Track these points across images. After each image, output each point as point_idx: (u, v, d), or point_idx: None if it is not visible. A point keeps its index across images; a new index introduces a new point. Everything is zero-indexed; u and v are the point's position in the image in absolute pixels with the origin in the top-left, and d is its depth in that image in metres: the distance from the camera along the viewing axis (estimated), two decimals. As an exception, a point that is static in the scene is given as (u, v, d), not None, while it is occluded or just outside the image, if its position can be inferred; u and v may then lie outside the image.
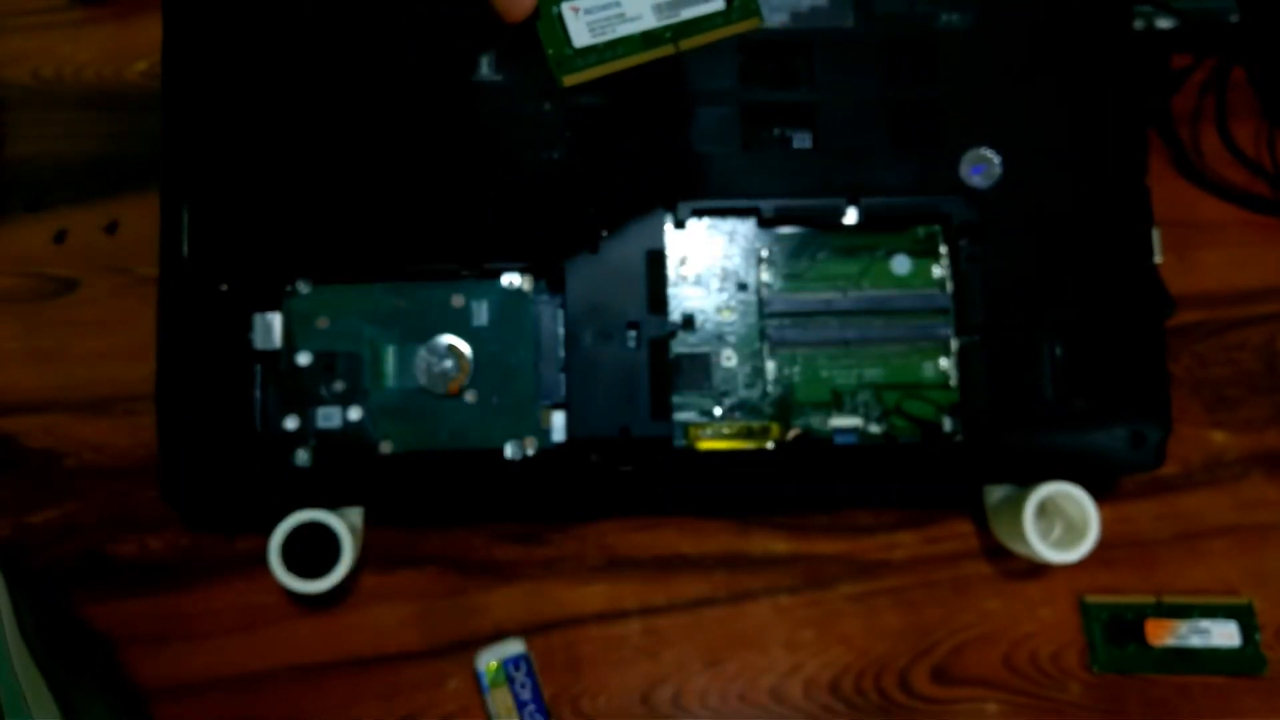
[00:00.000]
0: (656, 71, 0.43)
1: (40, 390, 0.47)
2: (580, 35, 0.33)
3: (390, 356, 0.42)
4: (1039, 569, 0.47)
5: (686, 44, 0.34)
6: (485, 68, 0.43)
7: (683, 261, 0.44)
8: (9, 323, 0.48)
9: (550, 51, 0.33)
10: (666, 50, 0.34)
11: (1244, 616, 0.46)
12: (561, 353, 0.42)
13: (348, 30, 0.43)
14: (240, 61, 0.43)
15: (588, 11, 0.33)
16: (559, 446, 0.42)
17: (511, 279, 0.43)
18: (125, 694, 0.44)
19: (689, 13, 0.33)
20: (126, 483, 0.46)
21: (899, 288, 0.44)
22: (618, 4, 0.33)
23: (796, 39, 0.44)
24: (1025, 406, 0.43)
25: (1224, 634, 0.46)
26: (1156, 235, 0.44)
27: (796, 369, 0.44)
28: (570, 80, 0.34)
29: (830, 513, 0.47)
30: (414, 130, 0.43)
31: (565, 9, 0.33)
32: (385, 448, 0.42)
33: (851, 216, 0.44)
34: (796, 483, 0.44)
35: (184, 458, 0.41)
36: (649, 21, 0.33)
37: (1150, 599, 0.47)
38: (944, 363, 0.44)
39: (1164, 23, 0.51)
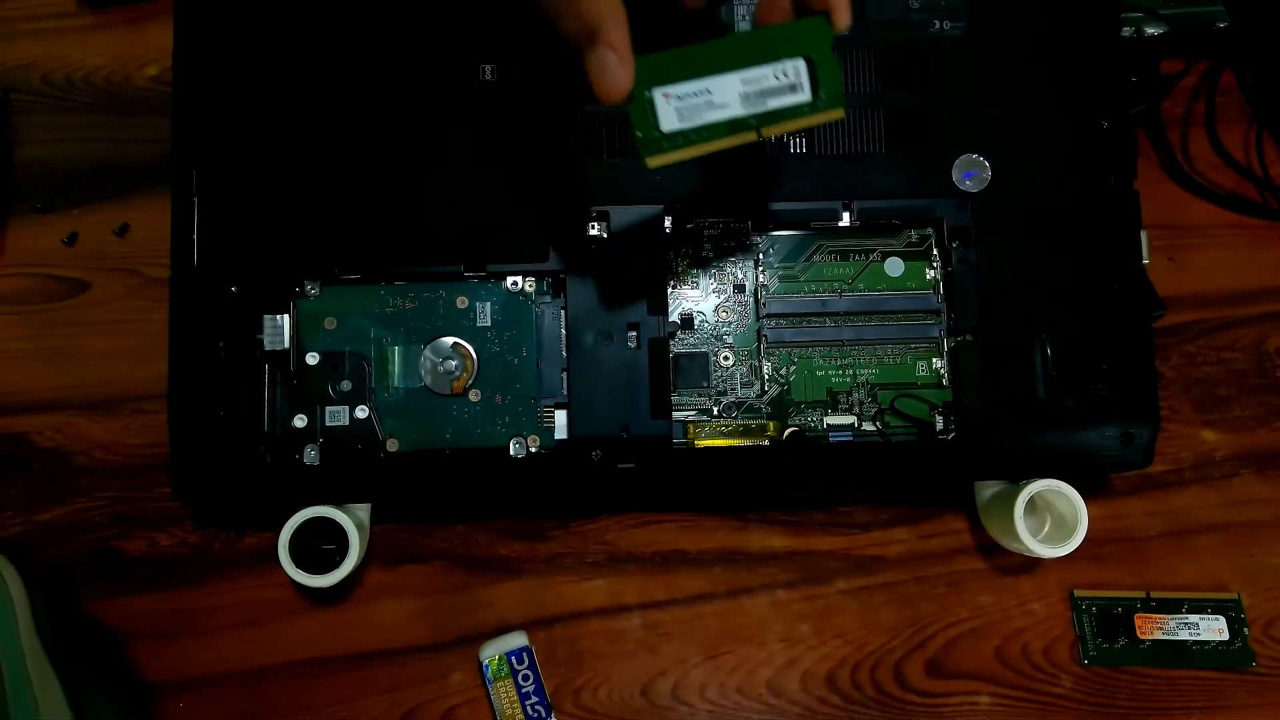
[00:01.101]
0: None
1: (51, 389, 0.48)
2: (669, 120, 0.34)
3: (396, 356, 0.43)
4: (1031, 564, 0.48)
5: (769, 131, 0.35)
6: (489, 72, 0.44)
7: (682, 263, 0.45)
8: (21, 323, 0.49)
9: (639, 134, 0.34)
10: (750, 137, 0.34)
11: (1232, 611, 0.47)
12: (563, 353, 0.43)
13: (354, 36, 0.44)
14: (249, 66, 0.43)
15: (678, 98, 0.33)
16: (561, 445, 0.43)
17: (514, 281, 0.43)
18: (131, 691, 0.45)
19: (775, 103, 0.34)
20: (136, 481, 0.47)
21: (893, 289, 0.45)
22: (708, 92, 0.33)
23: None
24: (1017, 405, 0.43)
25: (1213, 628, 0.47)
26: (1145, 237, 0.45)
27: (793, 368, 0.44)
28: (655, 162, 0.34)
29: (826, 509, 0.48)
30: (419, 134, 0.43)
31: (657, 94, 0.33)
32: (391, 446, 0.42)
33: (846, 220, 0.44)
34: (793, 480, 0.44)
35: (194, 455, 0.42)
36: (736, 110, 0.34)
37: (1140, 594, 0.47)
38: (937, 362, 0.45)
39: (1153, 29, 0.51)
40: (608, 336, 0.43)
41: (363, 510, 0.44)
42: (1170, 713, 0.46)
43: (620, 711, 0.45)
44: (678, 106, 0.33)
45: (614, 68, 0.31)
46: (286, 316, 0.43)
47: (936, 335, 0.45)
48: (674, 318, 0.44)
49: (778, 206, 0.44)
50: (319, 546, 0.43)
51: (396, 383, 0.43)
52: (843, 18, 0.33)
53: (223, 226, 0.42)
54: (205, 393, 0.42)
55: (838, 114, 0.35)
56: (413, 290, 0.43)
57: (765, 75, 0.34)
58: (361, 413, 0.42)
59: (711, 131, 0.34)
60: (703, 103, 0.34)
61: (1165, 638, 0.46)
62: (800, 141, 0.45)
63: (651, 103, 0.33)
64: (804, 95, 0.34)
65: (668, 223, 0.44)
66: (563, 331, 0.43)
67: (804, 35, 0.34)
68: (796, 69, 0.34)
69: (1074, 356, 0.43)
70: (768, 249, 0.45)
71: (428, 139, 0.43)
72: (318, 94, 0.43)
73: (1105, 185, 0.44)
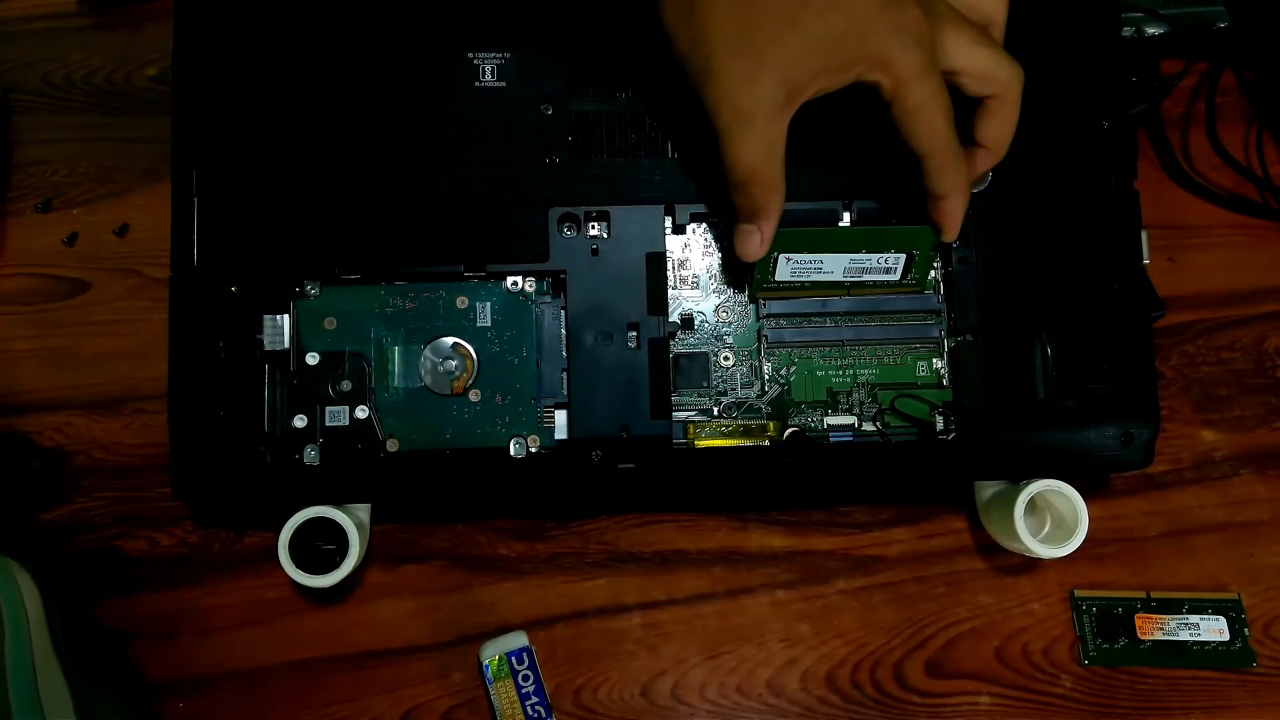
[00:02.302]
0: (656, 78, 0.44)
1: (52, 390, 0.48)
2: (783, 274, 0.42)
3: (396, 356, 0.43)
4: (1030, 564, 0.48)
5: (855, 292, 0.44)
6: (489, 74, 0.44)
7: (682, 264, 0.45)
8: (21, 323, 0.49)
9: (758, 277, 0.43)
10: (840, 293, 0.44)
11: (1232, 611, 0.47)
12: (563, 353, 0.43)
13: (355, 36, 0.44)
14: (249, 66, 0.43)
15: (795, 262, 0.42)
16: (561, 445, 0.43)
17: (514, 281, 0.43)
18: (136, 691, 0.45)
19: (869, 277, 0.43)
20: (137, 480, 0.47)
21: (893, 289, 0.45)
22: (820, 263, 0.42)
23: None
24: (1017, 405, 0.43)
25: (1213, 629, 0.47)
26: (1145, 237, 0.45)
27: (793, 369, 0.44)
28: (761, 295, 0.44)
29: (826, 509, 0.48)
30: (419, 134, 0.43)
31: (781, 257, 0.42)
32: (391, 446, 0.42)
33: (846, 220, 0.44)
34: (793, 480, 0.44)
35: (194, 455, 0.41)
36: (836, 276, 0.43)
37: (1140, 594, 0.47)
38: (937, 362, 0.45)
39: (1153, 29, 0.51)
40: (608, 336, 0.43)
41: (363, 510, 0.44)
42: (1170, 713, 0.46)
43: (620, 711, 0.45)
44: (793, 267, 0.42)
45: (757, 246, 0.39)
46: (286, 316, 0.43)
47: (936, 335, 0.45)
48: (674, 318, 0.44)
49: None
50: (319, 546, 0.43)
51: (396, 383, 0.43)
52: (950, 235, 0.40)
53: (223, 226, 0.42)
54: (205, 393, 0.42)
55: (914, 290, 0.44)
56: (413, 290, 0.43)
57: (870, 260, 0.42)
58: (361, 413, 0.42)
59: (811, 287, 0.43)
60: (812, 268, 0.42)
61: (1165, 638, 0.47)
62: (800, 142, 0.45)
63: (775, 261, 0.42)
64: (894, 276, 0.43)
65: (668, 223, 0.44)
66: (563, 331, 0.43)
67: (914, 238, 0.41)
68: (898, 260, 0.42)
69: (1074, 356, 0.44)
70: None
71: (428, 139, 0.43)
72: (318, 94, 0.43)
73: (1105, 185, 0.44)
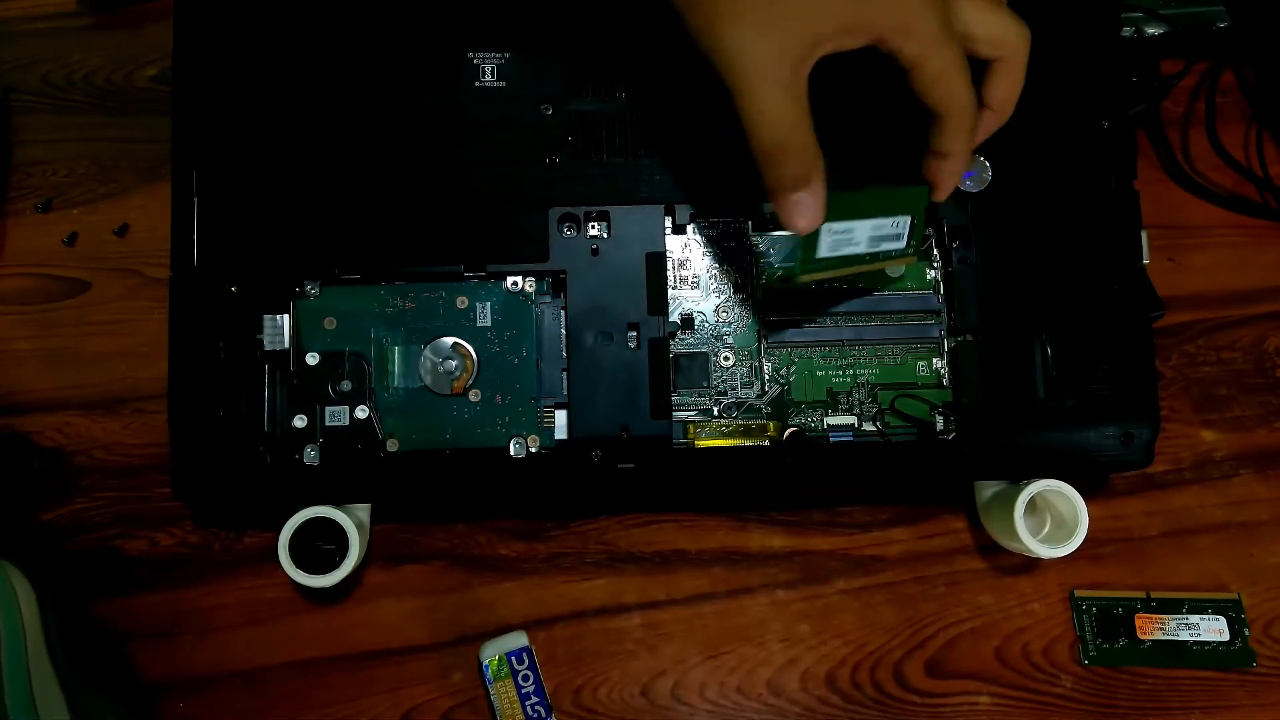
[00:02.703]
0: (656, 78, 0.44)
1: (51, 390, 0.48)
2: (824, 249, 0.39)
3: (396, 356, 0.43)
4: (1030, 564, 0.48)
5: (871, 266, 0.42)
6: (489, 74, 0.44)
7: (682, 263, 0.45)
8: (21, 323, 0.49)
9: (804, 255, 0.39)
10: (861, 267, 0.41)
11: (1232, 611, 0.47)
12: (563, 353, 0.43)
13: (354, 35, 0.44)
14: (249, 66, 0.43)
15: (835, 233, 0.39)
16: (561, 445, 0.43)
17: (514, 281, 0.43)
18: (133, 693, 0.45)
19: (883, 246, 0.41)
20: (137, 480, 0.47)
21: (893, 289, 0.45)
22: (851, 232, 0.40)
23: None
24: (1017, 405, 0.43)
25: (1213, 628, 0.47)
26: (1145, 237, 0.45)
27: (793, 369, 0.45)
28: (806, 278, 0.41)
29: (826, 509, 0.48)
30: (419, 134, 0.43)
31: (825, 229, 0.38)
32: (391, 446, 0.42)
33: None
34: (793, 480, 0.44)
35: (194, 455, 0.42)
36: (861, 248, 0.40)
37: (1140, 594, 0.47)
38: (937, 362, 0.45)
39: (1153, 29, 0.51)
40: (608, 336, 0.43)
41: (363, 510, 0.44)
42: (1170, 713, 0.46)
43: (620, 711, 0.45)
44: (831, 240, 0.39)
45: (813, 213, 0.36)
46: (286, 316, 0.43)
47: (936, 335, 0.45)
48: (674, 318, 0.44)
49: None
50: (319, 546, 0.43)
51: (396, 383, 0.43)
52: (943, 194, 0.39)
53: (223, 226, 0.42)
54: (205, 393, 0.42)
55: (912, 260, 0.43)
56: (413, 290, 0.43)
57: (886, 225, 0.40)
58: (361, 413, 0.42)
59: (843, 262, 0.41)
60: (845, 239, 0.40)
61: (1165, 638, 0.47)
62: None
63: (819, 234, 0.38)
64: (901, 243, 0.41)
65: (668, 223, 0.44)
66: (563, 331, 0.43)
67: (915, 199, 0.40)
68: (904, 224, 0.41)
69: (1074, 356, 0.44)
70: (768, 249, 0.45)
71: (428, 139, 0.43)
72: (318, 94, 0.43)
73: (1105, 185, 0.44)
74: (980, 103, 0.38)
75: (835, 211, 0.38)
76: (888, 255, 0.42)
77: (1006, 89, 0.38)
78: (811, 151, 0.35)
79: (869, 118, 0.43)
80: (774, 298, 0.45)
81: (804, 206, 0.36)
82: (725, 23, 0.33)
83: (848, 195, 0.38)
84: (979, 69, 0.37)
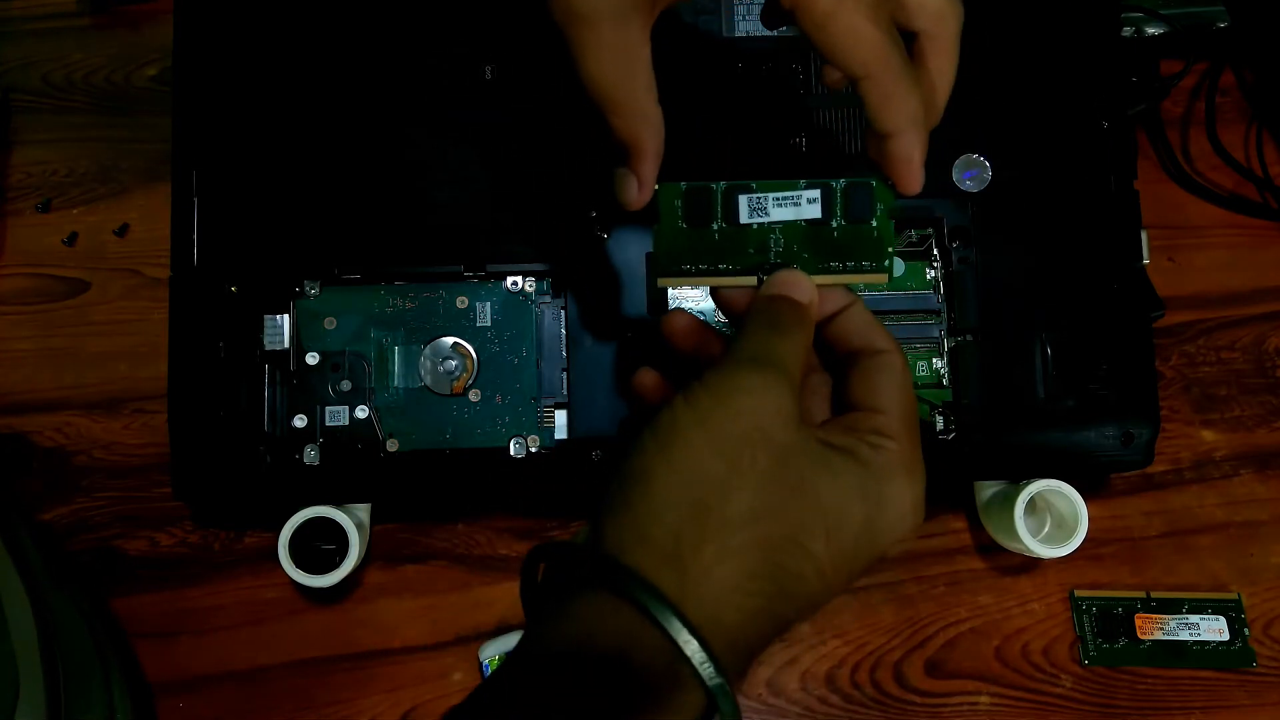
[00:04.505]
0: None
1: (52, 390, 0.48)
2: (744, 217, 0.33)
3: (396, 356, 0.43)
4: (1030, 564, 0.48)
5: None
6: (489, 72, 0.44)
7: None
8: (21, 323, 0.49)
9: (661, 245, 0.33)
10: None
11: (1232, 611, 0.47)
12: (563, 353, 0.43)
13: (354, 35, 0.44)
14: (249, 66, 0.43)
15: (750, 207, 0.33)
16: (561, 444, 0.43)
17: (514, 281, 0.43)
18: (142, 684, 0.45)
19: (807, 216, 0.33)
20: (137, 480, 0.47)
21: (893, 289, 0.45)
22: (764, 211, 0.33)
23: (791, 46, 0.45)
24: (1017, 405, 0.43)
25: (1213, 628, 0.47)
26: (1145, 237, 0.45)
27: (793, 368, 0.44)
28: (665, 281, 0.34)
29: (826, 509, 0.48)
30: (419, 134, 0.43)
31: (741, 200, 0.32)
32: (391, 445, 0.42)
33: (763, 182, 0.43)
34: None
35: (194, 455, 0.42)
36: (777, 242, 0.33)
37: (1140, 594, 0.47)
38: (937, 362, 0.45)
39: (1153, 29, 0.51)
40: (608, 336, 0.43)
41: (363, 510, 0.44)
42: (1170, 713, 0.46)
43: (620, 711, 0.45)
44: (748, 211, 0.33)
45: (633, 194, 0.32)
46: (286, 316, 0.43)
47: (936, 335, 0.45)
48: (674, 318, 0.44)
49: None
50: (319, 546, 0.43)
51: (396, 383, 0.43)
52: (908, 186, 0.31)
53: (223, 226, 0.42)
54: (205, 393, 0.42)
55: (882, 278, 0.33)
56: (413, 290, 0.43)
57: (792, 198, 0.33)
58: (361, 413, 0.42)
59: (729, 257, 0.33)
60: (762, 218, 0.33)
61: (1165, 638, 0.47)
62: (800, 141, 0.45)
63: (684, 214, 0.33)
64: (816, 213, 0.33)
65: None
66: (563, 331, 0.43)
67: (870, 194, 0.33)
68: (816, 199, 0.33)
69: (1074, 356, 0.44)
70: (768, 249, 0.45)
71: (428, 139, 0.43)
72: (318, 94, 0.43)
73: (1105, 185, 0.44)
74: None
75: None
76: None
77: (930, 75, 0.30)
78: (638, 118, 0.30)
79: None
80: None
81: (624, 182, 0.32)
82: None
83: (771, 184, 0.32)
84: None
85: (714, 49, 0.32)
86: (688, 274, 0.33)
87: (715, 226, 0.33)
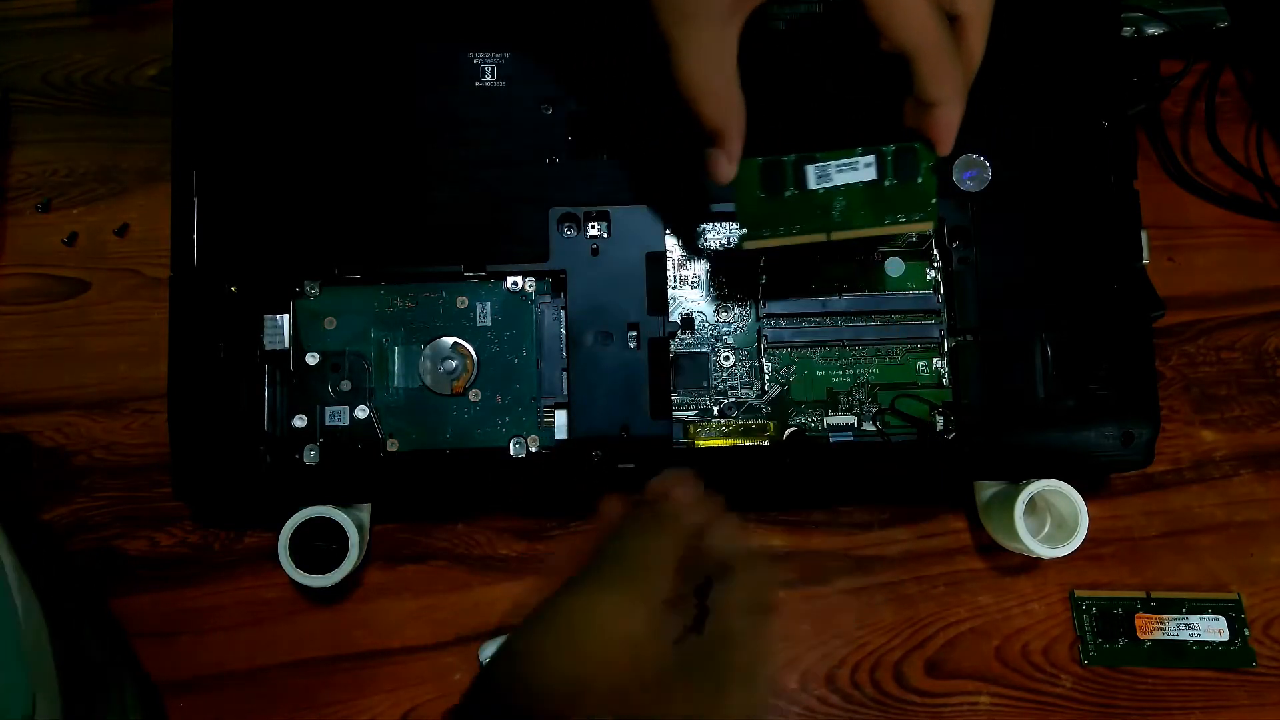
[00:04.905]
0: (655, 78, 0.44)
1: (51, 390, 0.48)
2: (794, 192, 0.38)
3: (396, 356, 0.43)
4: (1030, 564, 0.48)
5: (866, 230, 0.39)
6: (489, 74, 0.44)
7: (682, 264, 0.45)
8: (21, 323, 0.49)
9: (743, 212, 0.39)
10: (849, 232, 0.39)
11: (1232, 611, 0.47)
12: (563, 353, 0.43)
13: (354, 35, 0.44)
14: (249, 66, 0.43)
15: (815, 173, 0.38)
16: (561, 444, 0.43)
17: (515, 281, 0.43)
18: (149, 685, 0.45)
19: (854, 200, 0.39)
20: (137, 480, 0.47)
21: (893, 289, 0.45)
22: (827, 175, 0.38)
23: (792, 46, 0.45)
24: (1017, 405, 0.43)
25: (1213, 628, 0.47)
26: (1145, 237, 0.45)
27: (793, 368, 0.45)
28: (752, 244, 0.40)
29: (826, 509, 0.48)
30: (419, 134, 0.43)
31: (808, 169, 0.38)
32: (391, 445, 0.42)
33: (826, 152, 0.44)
34: (793, 480, 0.44)
35: (194, 455, 0.42)
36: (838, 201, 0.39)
37: (1140, 594, 0.47)
38: (937, 362, 0.45)
39: (1153, 29, 0.51)
40: (608, 336, 0.43)
41: (363, 510, 0.44)
42: (1170, 713, 0.46)
43: (620, 711, 0.45)
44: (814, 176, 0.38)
45: (724, 169, 0.36)
46: (286, 316, 0.43)
47: (936, 335, 0.45)
48: (674, 318, 0.44)
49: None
50: (319, 546, 0.43)
51: (396, 383, 0.43)
52: (945, 148, 0.36)
53: (223, 226, 0.42)
54: (205, 393, 0.42)
55: (927, 226, 0.39)
56: (413, 290, 0.43)
57: (853, 164, 0.38)
58: (361, 413, 0.42)
59: (807, 218, 0.39)
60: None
61: (1165, 638, 0.47)
62: (800, 143, 0.45)
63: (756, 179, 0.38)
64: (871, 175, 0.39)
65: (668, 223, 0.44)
66: (563, 331, 0.43)
67: (914, 156, 0.38)
68: (872, 163, 0.38)
69: (1074, 356, 0.44)
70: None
71: (428, 139, 0.43)
72: (318, 94, 0.43)
73: (1105, 185, 0.44)
74: None
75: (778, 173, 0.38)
76: (881, 218, 0.39)
77: (965, 47, 0.35)
78: (728, 107, 0.35)
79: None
80: (774, 285, 0.44)
81: (715, 159, 0.36)
82: None
83: (832, 154, 0.38)
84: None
85: (760, 18, 0.35)
86: (767, 236, 0.39)
87: (788, 193, 0.38)
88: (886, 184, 0.38)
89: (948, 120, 0.35)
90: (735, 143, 0.36)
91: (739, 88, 0.35)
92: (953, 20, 0.34)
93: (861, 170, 0.38)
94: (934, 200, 0.38)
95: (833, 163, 0.38)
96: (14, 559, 0.40)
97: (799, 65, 0.40)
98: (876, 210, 0.38)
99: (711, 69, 0.34)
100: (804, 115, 0.42)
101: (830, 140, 0.39)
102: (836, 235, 0.39)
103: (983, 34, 0.35)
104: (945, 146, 0.36)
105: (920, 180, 0.38)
